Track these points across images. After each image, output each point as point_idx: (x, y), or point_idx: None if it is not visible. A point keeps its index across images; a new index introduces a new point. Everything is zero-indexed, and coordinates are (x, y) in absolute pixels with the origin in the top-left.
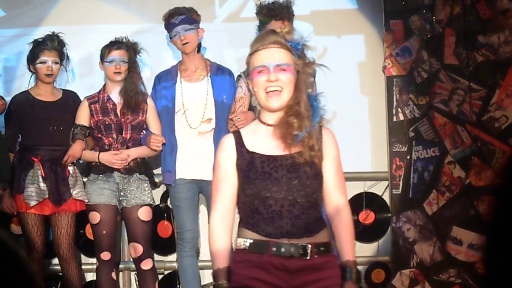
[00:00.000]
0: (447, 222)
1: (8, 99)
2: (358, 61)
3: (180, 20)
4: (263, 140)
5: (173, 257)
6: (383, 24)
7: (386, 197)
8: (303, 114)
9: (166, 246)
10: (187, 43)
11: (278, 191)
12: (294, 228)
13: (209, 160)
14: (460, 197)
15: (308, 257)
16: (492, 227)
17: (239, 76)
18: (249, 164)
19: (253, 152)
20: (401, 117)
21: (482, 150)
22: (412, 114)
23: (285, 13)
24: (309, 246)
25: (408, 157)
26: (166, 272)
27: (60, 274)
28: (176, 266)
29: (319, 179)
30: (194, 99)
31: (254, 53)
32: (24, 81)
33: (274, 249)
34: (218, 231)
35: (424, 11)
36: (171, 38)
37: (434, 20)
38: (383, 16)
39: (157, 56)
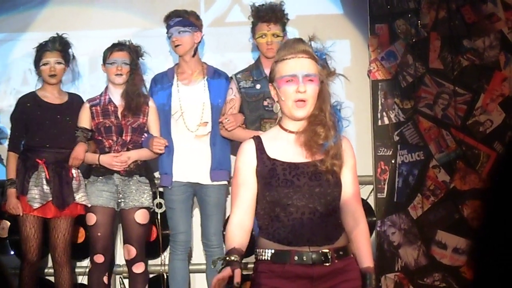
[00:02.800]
0: (431, 226)
1: None
2: (343, 66)
3: (175, 22)
4: (284, 147)
5: (157, 260)
6: (368, 28)
7: (371, 201)
8: (328, 124)
9: (151, 249)
10: (179, 45)
11: (299, 198)
12: (315, 236)
13: (205, 163)
14: (444, 201)
15: (329, 263)
16: (478, 231)
17: (230, 78)
18: (271, 171)
19: (274, 159)
20: (386, 121)
21: (467, 154)
22: (397, 118)
23: (271, 16)
24: (330, 252)
25: (393, 161)
26: (151, 276)
27: (48, 278)
28: (161, 270)
29: (339, 188)
30: (191, 102)
31: (282, 61)
32: (9, 86)
33: (296, 258)
34: (234, 234)
35: (409, 15)
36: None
37: (419, 24)
38: (368, 21)
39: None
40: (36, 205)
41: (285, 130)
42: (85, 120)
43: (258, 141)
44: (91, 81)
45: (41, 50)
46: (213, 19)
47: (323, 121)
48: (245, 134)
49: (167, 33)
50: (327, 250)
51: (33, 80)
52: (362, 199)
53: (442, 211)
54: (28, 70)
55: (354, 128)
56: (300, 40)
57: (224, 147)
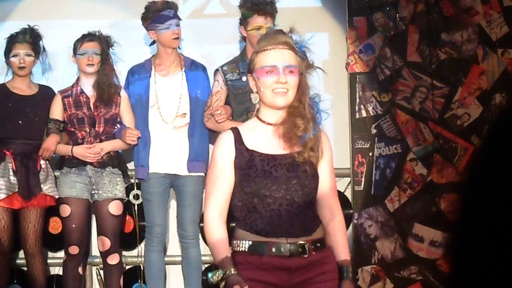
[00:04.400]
0: (408, 219)
1: None
2: (322, 59)
3: (173, 14)
4: (262, 138)
5: (134, 252)
6: (346, 21)
7: (348, 194)
8: (307, 116)
9: (128, 241)
10: (177, 38)
11: (277, 190)
12: (292, 227)
13: (183, 154)
14: (422, 194)
15: (306, 255)
16: (454, 224)
17: (216, 70)
18: (249, 162)
19: (252, 150)
20: (364, 114)
21: (444, 147)
22: (374, 111)
23: (268, 9)
24: (307, 243)
25: (370, 154)
26: (127, 267)
27: (23, 268)
28: (138, 261)
29: (316, 180)
30: (169, 94)
31: (262, 52)
32: None
33: (274, 249)
34: (216, 224)
35: (387, 8)
36: (158, 29)
37: (397, 17)
38: (346, 13)
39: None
40: (2, 196)
41: (263, 122)
42: (57, 111)
43: (236, 132)
44: (69, 71)
45: (12, 41)
46: (191, 10)
47: (302, 113)
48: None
49: (160, 23)
50: (304, 242)
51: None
52: (339, 192)
53: (419, 204)
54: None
55: (331, 120)
56: (280, 31)
57: (202, 139)
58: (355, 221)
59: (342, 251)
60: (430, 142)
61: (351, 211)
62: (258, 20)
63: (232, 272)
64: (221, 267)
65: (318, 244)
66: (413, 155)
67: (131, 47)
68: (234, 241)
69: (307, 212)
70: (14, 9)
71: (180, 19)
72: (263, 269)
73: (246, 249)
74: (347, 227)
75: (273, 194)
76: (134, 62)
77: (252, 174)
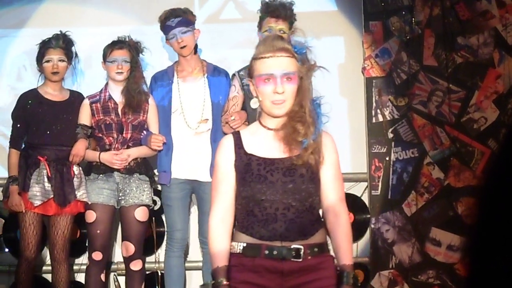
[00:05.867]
0: (426, 223)
1: None
2: (337, 63)
3: (176, 22)
4: (262, 142)
5: (152, 258)
6: (362, 25)
7: (365, 198)
8: (308, 120)
9: (145, 246)
10: (184, 46)
11: (273, 194)
12: (287, 231)
13: (205, 160)
14: (439, 198)
15: (300, 259)
16: (472, 228)
17: (233, 75)
18: (246, 166)
19: (251, 154)
20: (380, 118)
21: (461, 151)
22: (391, 115)
23: (280, 11)
24: (302, 247)
25: (387, 158)
26: (147, 273)
27: (45, 276)
28: (155, 267)
29: (315, 183)
30: (192, 100)
31: (260, 59)
32: (3, 82)
33: (267, 252)
34: (218, 231)
35: (403, 13)
36: (167, 39)
37: (413, 21)
38: (362, 18)
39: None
40: (38, 202)
41: (264, 127)
42: (85, 117)
43: (236, 136)
44: (86, 78)
45: (44, 47)
46: (207, 16)
47: (302, 118)
48: None
49: (166, 33)
50: (299, 246)
51: (27, 76)
52: (356, 196)
53: (436, 208)
54: (23, 66)
55: (348, 125)
56: (279, 37)
57: None
58: (372, 226)
59: (344, 256)
60: (447, 146)
61: (368, 216)
62: (270, 22)
63: (223, 282)
64: (214, 276)
65: (316, 249)
66: (430, 159)
67: (150, 53)
68: (232, 243)
69: (306, 216)
70: (30, 16)
71: (188, 25)
72: (255, 271)
73: (240, 251)
74: (364, 232)
75: (269, 198)
76: (154, 68)
77: (248, 178)
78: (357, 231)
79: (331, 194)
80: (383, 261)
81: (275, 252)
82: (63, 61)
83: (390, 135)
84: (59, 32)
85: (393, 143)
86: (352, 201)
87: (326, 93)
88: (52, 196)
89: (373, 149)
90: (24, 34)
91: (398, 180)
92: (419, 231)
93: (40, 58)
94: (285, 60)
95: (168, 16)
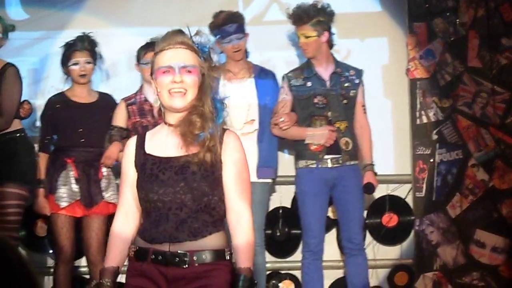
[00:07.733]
0: (470, 225)
1: (32, 101)
2: (381, 63)
3: (235, 28)
4: (162, 141)
5: None
6: (406, 26)
7: (409, 200)
8: (206, 115)
9: None
10: (238, 50)
11: (166, 193)
12: (177, 232)
13: (251, 161)
14: (483, 200)
15: (186, 265)
16: None
17: (282, 77)
18: (142, 166)
19: (148, 154)
20: (425, 120)
21: (506, 153)
22: (435, 117)
23: (297, 19)
24: (188, 254)
25: (431, 160)
26: None
27: (85, 276)
28: None
29: (210, 182)
30: (238, 101)
31: (159, 52)
32: (48, 83)
33: (153, 256)
34: (115, 237)
35: (447, 14)
36: (220, 42)
37: (457, 22)
38: (406, 19)
39: None
40: (63, 204)
41: (166, 123)
42: (121, 118)
43: (140, 137)
44: (128, 79)
45: (70, 49)
46: (251, 17)
47: (201, 112)
48: (297, 132)
49: (221, 37)
50: (185, 252)
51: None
52: (400, 198)
53: (481, 210)
54: None
55: (392, 126)
56: (179, 31)
57: (271, 145)
58: (416, 228)
59: (240, 259)
60: (492, 147)
61: (413, 217)
62: (296, 30)
63: (105, 282)
64: (100, 276)
65: (205, 256)
66: (475, 161)
67: None
68: (130, 246)
69: (200, 216)
70: (71, 19)
71: (243, 31)
72: (145, 276)
73: (132, 255)
74: (409, 233)
75: (161, 198)
76: None
77: (141, 178)
78: (402, 233)
79: (232, 193)
80: (427, 263)
81: (160, 257)
82: (90, 62)
83: (435, 137)
84: (82, 34)
85: (437, 145)
86: (396, 203)
87: (370, 94)
88: (79, 197)
89: (417, 150)
90: (68, 36)
91: (442, 182)
92: (463, 233)
93: (66, 61)
94: (184, 52)
95: (227, 21)
